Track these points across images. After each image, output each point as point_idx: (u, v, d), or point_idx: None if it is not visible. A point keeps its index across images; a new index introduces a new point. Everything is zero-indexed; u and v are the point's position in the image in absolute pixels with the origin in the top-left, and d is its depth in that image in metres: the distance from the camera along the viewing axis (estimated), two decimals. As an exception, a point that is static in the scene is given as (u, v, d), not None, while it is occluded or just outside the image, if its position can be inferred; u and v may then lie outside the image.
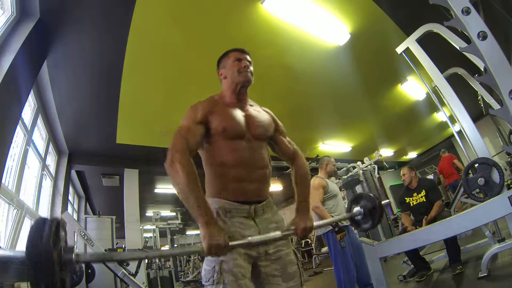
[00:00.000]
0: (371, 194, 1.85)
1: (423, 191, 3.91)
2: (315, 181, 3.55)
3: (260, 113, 1.61)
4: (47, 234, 0.92)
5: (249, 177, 1.42)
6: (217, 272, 1.26)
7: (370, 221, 1.82)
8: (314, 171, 3.86)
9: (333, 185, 3.67)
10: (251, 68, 1.60)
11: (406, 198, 4.06)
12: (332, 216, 3.33)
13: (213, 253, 1.16)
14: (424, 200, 3.87)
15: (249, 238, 1.28)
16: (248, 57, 1.61)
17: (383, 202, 2.05)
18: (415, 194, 3.98)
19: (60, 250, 0.95)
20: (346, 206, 2.00)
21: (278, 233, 1.35)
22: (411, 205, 3.98)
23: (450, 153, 8.07)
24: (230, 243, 1.19)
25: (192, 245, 13.47)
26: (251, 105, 1.63)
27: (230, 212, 1.37)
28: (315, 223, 1.54)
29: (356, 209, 1.84)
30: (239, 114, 1.51)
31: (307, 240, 11.84)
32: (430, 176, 10.51)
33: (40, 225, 0.93)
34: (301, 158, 1.67)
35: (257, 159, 1.47)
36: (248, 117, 1.53)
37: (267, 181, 1.51)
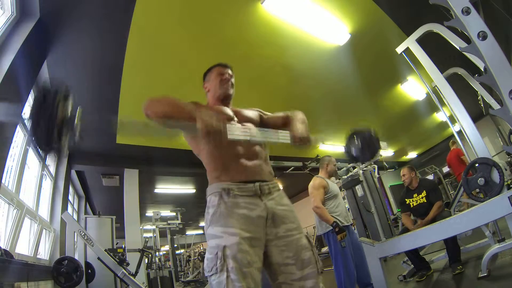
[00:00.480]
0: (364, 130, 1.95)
1: (424, 191, 3.90)
2: (315, 181, 3.57)
3: (246, 111, 1.68)
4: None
5: (247, 153, 1.44)
6: (220, 258, 1.19)
7: (366, 154, 1.91)
8: (315, 171, 3.86)
9: (334, 185, 3.68)
10: (232, 80, 1.71)
11: (406, 199, 4.05)
12: (333, 216, 3.35)
13: (210, 127, 1.19)
14: (425, 201, 3.87)
15: (249, 135, 1.32)
16: (229, 71, 1.72)
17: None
18: (415, 195, 3.97)
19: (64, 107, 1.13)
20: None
21: (275, 135, 1.41)
22: (411, 206, 3.98)
23: (458, 148, 7.99)
24: (229, 136, 1.23)
25: (193, 245, 13.48)
26: (236, 108, 1.71)
27: (233, 192, 1.34)
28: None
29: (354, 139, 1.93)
30: (227, 109, 1.61)
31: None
32: (430, 176, 10.49)
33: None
34: (295, 113, 1.68)
35: (253, 146, 1.49)
36: (235, 112, 1.62)
37: (265, 159, 1.52)
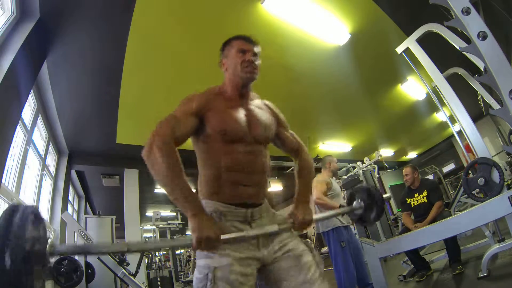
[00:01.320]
0: (371, 187, 1.82)
1: (425, 191, 3.90)
2: (319, 177, 3.65)
3: (262, 111, 1.46)
4: (19, 219, 0.82)
5: (247, 182, 1.31)
6: (210, 280, 1.14)
7: (371, 214, 1.78)
8: (316, 171, 3.89)
9: (336, 184, 3.75)
10: (258, 62, 1.42)
11: (407, 199, 4.05)
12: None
13: (203, 247, 1.07)
14: (425, 200, 3.86)
15: (244, 232, 1.20)
16: (255, 48, 1.42)
17: (384, 196, 2.02)
18: (416, 195, 3.97)
19: (33, 239, 0.84)
20: (346, 200, 1.97)
21: (275, 226, 1.26)
22: (412, 205, 3.97)
23: None
24: (222, 237, 1.10)
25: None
26: (253, 101, 1.49)
27: (224, 216, 1.26)
28: (316, 216, 1.48)
29: (356, 202, 1.81)
30: (240, 114, 1.36)
31: (307, 240, 11.84)
32: (430, 176, 10.50)
33: (13, 211, 0.83)
34: (305, 152, 1.59)
35: (256, 164, 1.35)
36: (250, 117, 1.38)
37: (265, 185, 1.40)
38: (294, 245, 1.31)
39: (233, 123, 1.32)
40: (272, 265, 1.28)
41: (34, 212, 0.89)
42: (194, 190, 1.16)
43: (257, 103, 1.49)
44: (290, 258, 1.28)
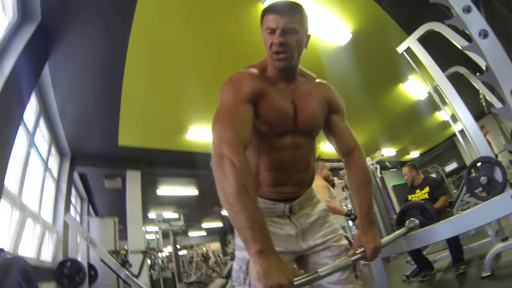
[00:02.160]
0: (424, 204, 1.80)
1: (427, 188, 3.95)
2: (321, 182, 3.78)
3: (312, 96, 1.24)
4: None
5: (287, 181, 1.21)
6: (243, 272, 1.12)
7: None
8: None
9: (331, 188, 3.95)
10: (290, 43, 1.11)
11: (409, 196, 4.12)
12: None
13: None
14: (427, 196, 3.89)
15: (318, 270, 0.97)
16: (285, 22, 1.08)
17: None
18: (417, 191, 4.02)
19: None
20: (396, 219, 1.94)
21: (348, 259, 1.07)
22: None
23: None
24: (296, 282, 0.85)
25: (195, 246, 13.47)
26: (303, 78, 1.29)
27: (266, 211, 1.16)
28: (385, 239, 1.34)
29: (411, 223, 1.80)
30: (287, 100, 1.18)
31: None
32: (433, 175, 10.47)
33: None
34: (360, 155, 1.31)
35: (298, 161, 1.22)
36: (297, 104, 1.19)
37: (307, 181, 1.29)
38: (336, 241, 1.25)
39: (280, 114, 1.15)
40: (309, 257, 1.24)
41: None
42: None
43: (307, 86, 1.27)
44: (330, 249, 1.23)
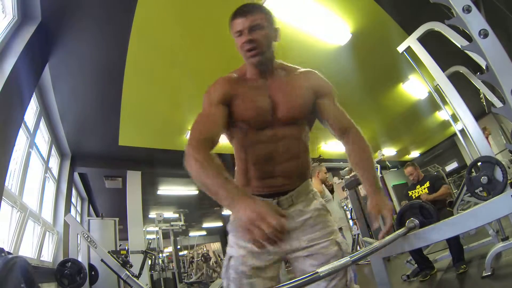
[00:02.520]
0: (422, 203, 1.80)
1: (427, 183, 4.01)
2: (316, 186, 3.79)
3: (293, 87, 1.26)
4: None
5: (275, 173, 1.21)
6: (225, 267, 1.19)
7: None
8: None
9: (327, 191, 3.98)
10: (257, 39, 1.17)
11: (409, 192, 4.17)
12: None
13: (256, 225, 0.81)
14: (427, 191, 3.93)
15: (318, 270, 0.89)
16: (248, 22, 1.17)
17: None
18: (418, 187, 4.08)
19: None
20: (395, 220, 1.94)
21: (348, 259, 0.99)
22: (413, 197, 4.04)
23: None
24: (296, 281, 0.81)
25: (196, 246, 13.48)
26: (283, 72, 1.31)
27: None
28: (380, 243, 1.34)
29: (411, 222, 1.80)
30: (263, 96, 1.22)
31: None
32: (433, 175, 10.49)
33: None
34: (356, 133, 1.30)
35: (283, 151, 1.21)
36: (276, 97, 1.22)
37: (297, 172, 1.26)
38: (323, 248, 1.18)
39: (255, 109, 1.20)
40: (296, 262, 1.22)
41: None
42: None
43: (288, 78, 1.29)
44: (316, 257, 1.17)
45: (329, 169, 9.48)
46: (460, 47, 2.64)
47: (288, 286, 0.86)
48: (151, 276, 7.60)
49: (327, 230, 1.23)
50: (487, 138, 3.90)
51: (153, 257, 7.38)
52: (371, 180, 1.24)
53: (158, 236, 9.76)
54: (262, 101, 1.21)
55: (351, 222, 8.02)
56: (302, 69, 1.35)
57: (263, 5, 1.25)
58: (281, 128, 1.22)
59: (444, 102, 3.45)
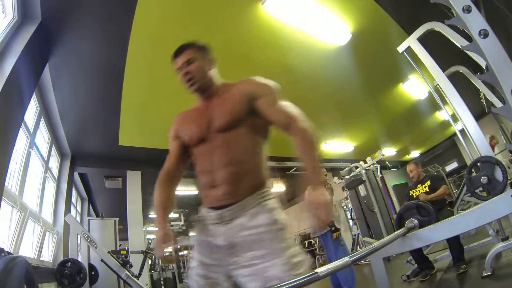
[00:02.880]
0: (419, 203, 1.80)
1: (428, 182, 4.01)
2: None
3: (227, 98, 1.34)
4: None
5: (214, 183, 1.25)
6: (188, 275, 1.37)
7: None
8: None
9: (326, 193, 3.88)
10: (191, 71, 1.37)
11: (410, 191, 4.17)
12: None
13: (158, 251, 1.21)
14: (427, 190, 3.94)
15: (317, 271, 1.00)
16: (183, 59, 1.39)
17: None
18: (419, 186, 4.08)
19: None
20: (395, 222, 1.95)
21: (347, 260, 1.06)
22: (414, 196, 4.04)
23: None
24: (296, 281, 0.94)
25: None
26: (225, 89, 1.39)
27: (204, 220, 1.30)
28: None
29: (410, 223, 1.80)
30: (202, 115, 1.36)
31: (310, 240, 11.82)
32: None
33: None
34: (298, 125, 1.25)
35: (218, 159, 1.25)
36: (212, 111, 1.34)
37: (241, 179, 1.24)
38: (265, 267, 1.12)
39: (191, 128, 1.38)
40: (239, 280, 1.18)
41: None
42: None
43: (226, 93, 1.37)
44: (256, 278, 1.12)
45: (329, 169, 9.50)
46: (460, 47, 2.64)
47: (288, 286, 0.87)
48: (151, 276, 7.61)
49: (274, 247, 1.15)
50: (493, 147, 3.93)
51: (153, 257, 7.38)
52: (309, 174, 1.17)
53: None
54: (199, 119, 1.36)
55: (351, 222, 8.02)
56: (243, 79, 1.43)
57: (197, 42, 1.48)
58: (217, 137, 1.29)
59: (444, 102, 3.45)
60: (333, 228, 3.38)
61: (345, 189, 7.75)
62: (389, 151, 11.52)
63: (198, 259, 1.28)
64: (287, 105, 1.33)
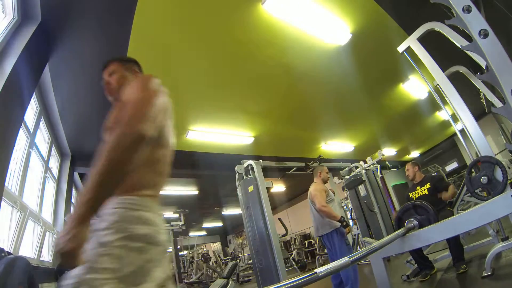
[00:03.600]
0: (417, 203, 1.80)
1: (428, 184, 4.00)
2: (317, 186, 3.90)
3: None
4: None
5: None
6: None
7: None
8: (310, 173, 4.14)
9: (329, 191, 4.01)
10: (109, 81, 1.60)
11: (410, 193, 4.16)
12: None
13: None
14: (427, 192, 3.93)
15: (316, 271, 1.06)
16: (104, 75, 1.60)
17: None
18: (418, 188, 4.07)
19: None
20: (394, 224, 1.96)
21: (347, 260, 1.03)
22: (413, 199, 4.03)
23: None
24: (296, 281, 0.96)
25: (196, 246, 13.49)
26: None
27: None
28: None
29: (410, 223, 1.80)
30: None
31: (310, 240, 11.84)
32: (433, 175, 10.48)
33: None
34: (114, 132, 1.00)
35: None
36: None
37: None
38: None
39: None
40: None
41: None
42: None
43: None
44: None
45: (329, 169, 9.50)
46: (460, 47, 2.65)
47: (288, 286, 0.88)
48: (151, 276, 7.58)
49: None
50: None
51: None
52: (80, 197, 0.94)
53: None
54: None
55: (351, 222, 8.03)
56: None
57: (112, 59, 1.64)
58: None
59: (444, 102, 3.46)
60: (344, 223, 3.50)
61: (345, 189, 7.76)
62: (389, 151, 11.52)
63: None
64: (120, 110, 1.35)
